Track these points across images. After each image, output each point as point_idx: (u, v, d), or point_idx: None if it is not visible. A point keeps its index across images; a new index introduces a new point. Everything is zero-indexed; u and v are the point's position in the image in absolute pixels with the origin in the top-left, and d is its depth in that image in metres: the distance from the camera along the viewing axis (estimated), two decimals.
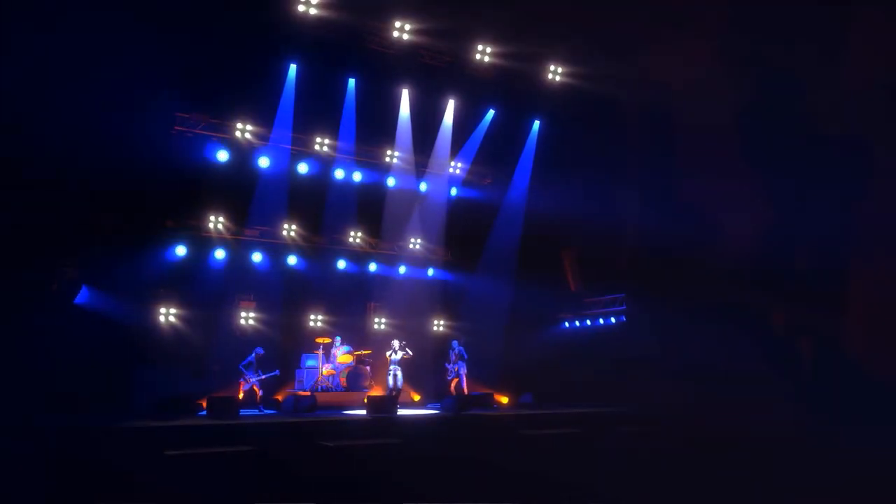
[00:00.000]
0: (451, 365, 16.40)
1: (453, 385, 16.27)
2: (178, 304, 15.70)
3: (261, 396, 13.65)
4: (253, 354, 13.94)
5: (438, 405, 14.91)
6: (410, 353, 15.11)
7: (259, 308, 17.12)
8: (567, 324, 18.68)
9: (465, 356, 16.41)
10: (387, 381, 14.89)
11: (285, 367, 16.50)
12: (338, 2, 13.82)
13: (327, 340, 16.29)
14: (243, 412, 13.16)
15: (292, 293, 17.53)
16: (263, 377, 13.86)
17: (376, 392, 15.03)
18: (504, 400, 17.14)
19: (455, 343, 16.58)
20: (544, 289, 17.89)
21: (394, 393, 14.50)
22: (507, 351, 17.93)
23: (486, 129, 17.56)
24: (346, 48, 14.79)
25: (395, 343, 15.20)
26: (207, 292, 16.35)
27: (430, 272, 19.05)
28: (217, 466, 8.96)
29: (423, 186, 18.38)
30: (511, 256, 18.31)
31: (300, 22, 14.02)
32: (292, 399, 12.69)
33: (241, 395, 13.61)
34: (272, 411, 13.55)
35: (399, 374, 14.77)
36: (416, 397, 17.10)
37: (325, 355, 16.27)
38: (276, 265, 17.37)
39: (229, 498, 8.57)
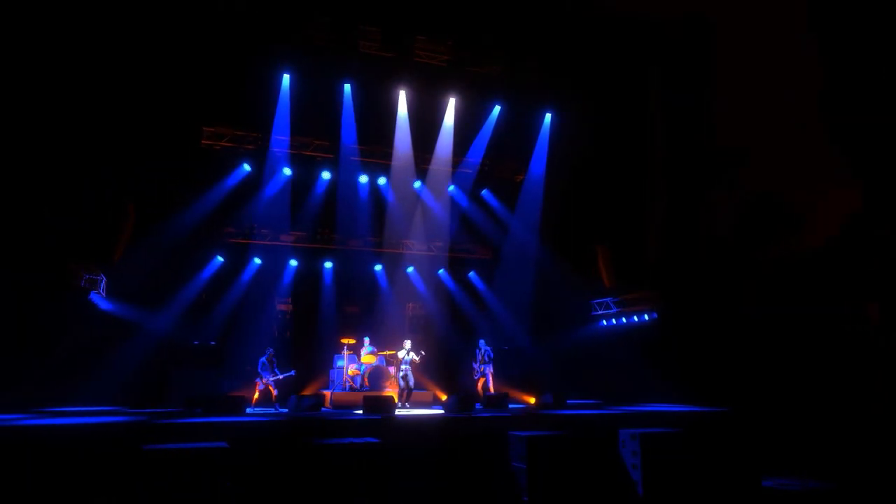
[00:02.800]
0: (478, 365, 16.28)
1: (480, 385, 16.17)
2: (217, 309, 16.68)
3: (276, 396, 14.16)
4: (265, 355, 14.43)
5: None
6: (419, 355, 15.08)
7: (295, 311, 17.85)
8: (605, 322, 17.99)
9: (492, 356, 16.24)
10: (398, 381, 15.00)
11: (319, 369, 17.20)
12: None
13: (352, 341, 16.63)
14: (260, 410, 13.77)
15: (329, 296, 18.15)
16: (280, 377, 14.36)
17: (391, 392, 15.21)
18: (531, 400, 16.83)
19: (482, 342, 16.44)
20: (574, 286, 17.43)
21: (404, 393, 14.60)
22: (535, 350, 17.61)
23: (493, 125, 17.36)
24: (345, 55, 15.14)
25: (407, 343, 15.25)
26: (246, 297, 17.27)
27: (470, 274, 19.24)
28: (188, 462, 9.37)
29: (451, 188, 18.50)
30: (532, 253, 17.97)
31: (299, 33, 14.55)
32: (295, 398, 13.07)
33: (256, 395, 14.20)
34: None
35: (410, 374, 14.81)
36: (444, 397, 17.09)
37: (356, 356, 16.66)
38: (312, 269, 18.06)
39: (189, 491, 9.01)
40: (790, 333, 15.57)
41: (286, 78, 15.71)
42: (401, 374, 14.72)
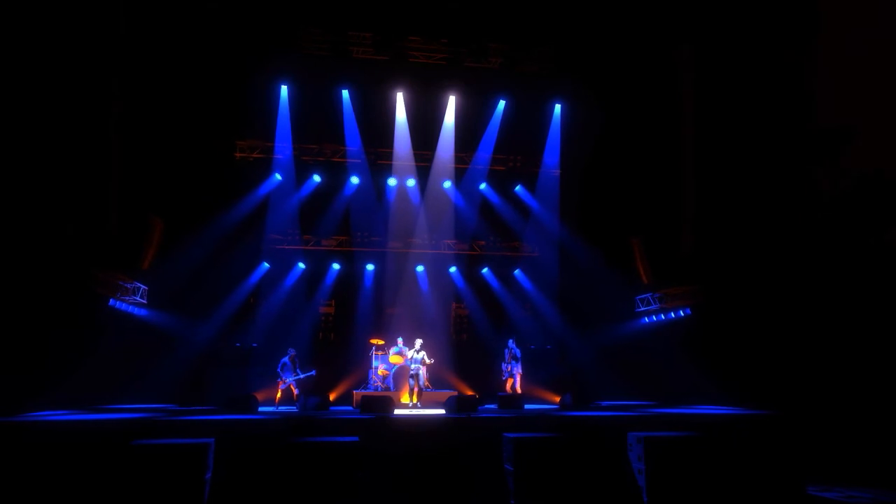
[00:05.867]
0: (506, 364, 16.06)
1: (509, 385, 15.93)
2: (260, 314, 17.57)
3: (297, 395, 14.69)
4: (287, 356, 15.01)
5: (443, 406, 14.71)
6: (429, 361, 15.07)
7: (338, 313, 18.43)
8: (646, 319, 17.08)
9: (520, 356, 15.96)
10: (408, 380, 15.07)
11: (351, 369, 17.64)
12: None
13: (381, 342, 16.91)
14: (282, 409, 14.36)
15: (369, 297, 18.60)
16: (301, 377, 14.91)
17: (403, 393, 15.38)
18: (557, 400, 16.34)
19: (511, 342, 16.18)
20: (612, 282, 16.72)
21: (414, 392, 14.64)
22: (574, 349, 17.06)
23: (500, 120, 17.00)
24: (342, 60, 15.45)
25: (418, 343, 15.28)
26: (289, 301, 18.07)
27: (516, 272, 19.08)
28: (170, 456, 9.99)
29: (482, 186, 18.39)
30: (567, 249, 17.44)
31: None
32: (303, 398, 13.51)
33: (278, 395, 14.82)
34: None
35: (421, 373, 14.84)
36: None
37: (387, 356, 16.94)
38: (353, 272, 18.59)
39: (171, 483, 9.63)
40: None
41: (284, 89, 16.33)
42: (411, 372, 14.82)
